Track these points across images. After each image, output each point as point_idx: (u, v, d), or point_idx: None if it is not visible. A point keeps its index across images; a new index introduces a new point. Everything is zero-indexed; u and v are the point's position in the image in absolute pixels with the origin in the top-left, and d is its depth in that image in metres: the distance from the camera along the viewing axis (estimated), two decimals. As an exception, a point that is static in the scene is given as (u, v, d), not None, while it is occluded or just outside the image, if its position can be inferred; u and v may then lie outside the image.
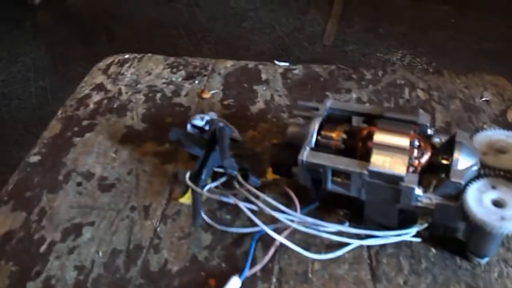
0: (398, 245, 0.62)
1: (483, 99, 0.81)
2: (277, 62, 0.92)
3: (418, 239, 0.62)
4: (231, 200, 0.64)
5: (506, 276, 0.59)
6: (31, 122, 2.17)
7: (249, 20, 2.58)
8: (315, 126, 0.61)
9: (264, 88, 0.87)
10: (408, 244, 0.63)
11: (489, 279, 0.59)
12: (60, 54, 2.52)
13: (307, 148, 0.59)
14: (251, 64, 0.93)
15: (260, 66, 0.92)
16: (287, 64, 0.92)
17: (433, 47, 2.28)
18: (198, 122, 0.73)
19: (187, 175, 0.67)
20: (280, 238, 0.60)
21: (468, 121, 0.78)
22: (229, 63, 0.94)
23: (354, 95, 0.84)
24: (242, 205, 0.62)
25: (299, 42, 2.41)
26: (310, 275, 0.61)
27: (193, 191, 0.66)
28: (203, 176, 0.66)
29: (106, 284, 0.62)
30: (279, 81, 0.89)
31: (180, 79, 0.92)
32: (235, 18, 2.61)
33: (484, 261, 0.60)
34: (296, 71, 0.91)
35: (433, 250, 0.62)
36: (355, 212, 0.64)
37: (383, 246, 0.63)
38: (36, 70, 2.46)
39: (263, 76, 0.90)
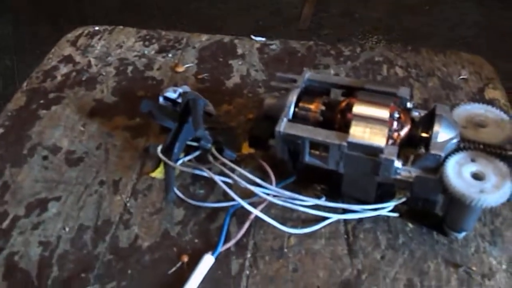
0: (375, 220, 0.61)
1: (461, 77, 0.81)
2: (253, 37, 0.90)
3: (395, 214, 0.61)
4: (206, 173, 0.62)
5: (483, 251, 0.58)
6: (-3, 102, 2.09)
7: (225, 2, 2.54)
8: (293, 97, 0.59)
9: (240, 63, 0.85)
10: (385, 219, 0.62)
11: (466, 254, 0.58)
12: (28, 33, 2.44)
13: (285, 120, 0.57)
14: (226, 39, 0.90)
15: (236, 41, 0.90)
16: (263, 39, 0.90)
17: (408, 33, 2.29)
18: (171, 94, 0.70)
19: (159, 148, 0.65)
20: (256, 212, 0.58)
21: (446, 98, 0.77)
22: (204, 37, 0.91)
23: (332, 71, 0.83)
24: (217, 178, 0.60)
25: (275, 26, 2.38)
26: (285, 250, 0.59)
27: (165, 164, 0.63)
28: (175, 149, 0.63)
29: (72, 261, 0.59)
30: (256, 56, 0.86)
31: (152, 52, 0.88)
32: (211, 0, 2.56)
33: (461, 235, 0.59)
34: (273, 46, 0.88)
35: (410, 225, 0.61)
36: (332, 187, 0.63)
37: (360, 221, 0.61)
38: (2, 49, 2.37)
39: (239, 51, 0.88)
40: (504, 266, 0.57)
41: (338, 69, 0.83)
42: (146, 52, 0.88)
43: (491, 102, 0.76)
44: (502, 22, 2.29)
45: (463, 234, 0.59)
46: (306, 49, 0.87)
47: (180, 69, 0.83)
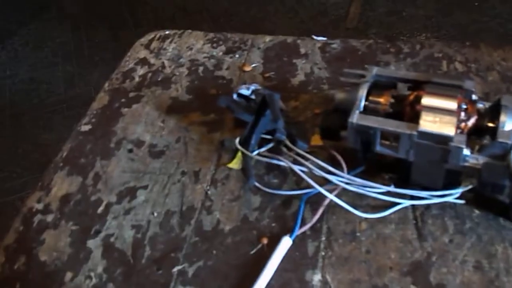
0: (442, 206, 0.65)
1: (521, 70, 0.83)
2: (315, 37, 0.94)
3: (462, 201, 0.64)
4: (283, 162, 0.67)
5: (549, 236, 0.61)
6: (59, 106, 2.22)
7: (273, 4, 2.60)
8: (364, 91, 0.63)
9: (304, 62, 0.90)
10: (452, 206, 0.65)
11: (532, 238, 0.61)
12: (86, 39, 2.57)
13: (357, 112, 0.62)
14: (289, 39, 0.95)
15: (299, 41, 0.95)
16: (325, 38, 0.94)
17: (457, 30, 2.28)
18: (244, 91, 0.75)
19: (237, 139, 0.70)
20: (330, 196, 0.63)
21: (506, 91, 0.79)
22: (268, 38, 0.96)
23: (393, 68, 0.86)
24: (294, 166, 0.65)
25: (323, 26, 2.42)
26: (358, 234, 0.63)
27: (243, 154, 0.69)
28: (252, 141, 0.69)
29: (162, 242, 0.65)
30: (318, 55, 0.91)
31: (220, 54, 0.94)
32: (259, 2, 2.63)
33: (527, 221, 0.62)
34: (334, 45, 0.93)
35: (477, 211, 0.64)
36: (399, 175, 0.67)
37: (427, 207, 0.65)
38: (63, 55, 2.51)
39: (302, 50, 0.92)
40: None
41: (399, 66, 0.86)
42: (214, 53, 0.94)
43: (552, 95, 0.78)
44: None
45: (530, 219, 0.62)
46: (366, 47, 0.91)
47: (248, 68, 0.89)
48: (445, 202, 0.64)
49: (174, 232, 0.66)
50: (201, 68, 0.91)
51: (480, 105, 0.64)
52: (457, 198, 0.64)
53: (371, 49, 0.91)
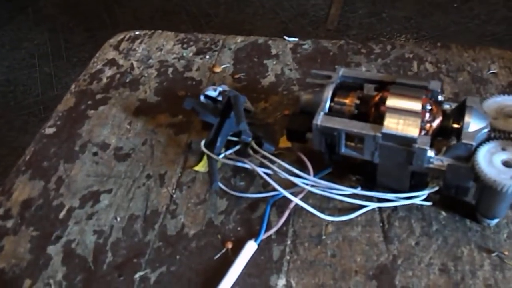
0: (409, 208, 0.64)
1: (491, 71, 0.82)
2: (286, 38, 0.93)
3: (428, 203, 0.64)
4: (248, 165, 0.66)
5: (515, 237, 0.60)
6: (36, 108, 2.18)
7: (252, 5, 2.59)
8: (329, 92, 0.62)
9: (274, 62, 0.89)
10: (419, 207, 0.64)
11: (499, 240, 0.60)
12: (64, 40, 2.53)
13: (321, 113, 0.61)
14: (261, 40, 0.94)
15: (270, 42, 0.94)
16: (296, 39, 0.93)
17: (436, 31, 2.29)
18: (211, 92, 0.74)
19: (203, 142, 0.69)
20: (296, 200, 0.62)
21: (476, 92, 0.79)
22: (239, 39, 0.95)
23: (363, 69, 0.86)
24: (259, 169, 0.64)
25: (303, 27, 2.41)
26: (324, 237, 0.63)
27: (209, 157, 0.67)
28: (218, 143, 0.67)
29: (125, 247, 0.64)
30: (289, 56, 0.90)
31: (191, 54, 0.93)
32: (238, 3, 2.61)
33: (493, 222, 0.61)
34: (305, 46, 0.92)
35: (443, 213, 0.64)
36: (366, 177, 0.66)
37: (394, 209, 0.64)
38: (40, 56, 2.47)
39: (273, 51, 0.91)
40: (536, 251, 0.59)
41: (369, 67, 0.86)
42: (184, 54, 0.93)
43: (521, 95, 0.78)
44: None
45: (496, 221, 0.61)
46: (337, 48, 0.90)
47: (218, 69, 0.88)
48: (412, 204, 0.64)
49: (137, 237, 0.65)
50: (170, 69, 0.90)
51: (446, 106, 0.64)
52: (424, 200, 0.63)
53: (342, 50, 0.90)
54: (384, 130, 0.57)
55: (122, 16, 2.59)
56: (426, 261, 0.59)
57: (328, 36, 2.32)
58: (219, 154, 0.69)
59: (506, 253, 0.59)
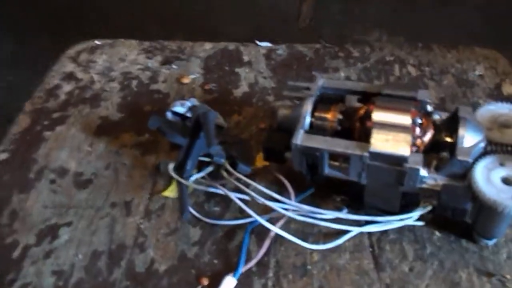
0: (400, 230, 0.59)
1: (477, 73, 0.78)
2: (259, 43, 0.87)
3: (421, 223, 0.59)
4: (220, 190, 0.60)
5: (515, 257, 0.56)
6: (-1, 119, 2.07)
7: (223, 4, 2.51)
8: (308, 107, 0.56)
9: (247, 70, 0.83)
10: (410, 228, 0.59)
11: (498, 261, 0.55)
12: (28, 45, 2.42)
13: (301, 131, 0.55)
14: (231, 46, 0.88)
15: (242, 48, 0.87)
16: (269, 44, 0.87)
17: (410, 29, 2.26)
18: (179, 108, 0.67)
19: (171, 166, 0.62)
20: (275, 229, 0.56)
21: (463, 96, 0.74)
22: (208, 46, 0.88)
23: (342, 74, 0.80)
24: (232, 195, 0.57)
25: (275, 25, 2.35)
26: (309, 267, 0.57)
27: (178, 183, 0.61)
28: (188, 167, 0.61)
29: (88, 289, 0.57)
30: (263, 63, 0.84)
31: (156, 65, 0.86)
32: (208, 3, 2.54)
33: (491, 242, 0.56)
34: (279, 51, 0.86)
35: (437, 233, 0.58)
36: (353, 197, 0.60)
37: (384, 232, 0.59)
38: (3, 63, 2.36)
39: (245, 58, 0.85)
40: (539, 272, 0.54)
41: (348, 72, 0.80)
42: (150, 64, 0.86)
43: (509, 98, 0.74)
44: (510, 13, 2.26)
45: (494, 240, 0.56)
46: (313, 53, 0.85)
47: (186, 80, 0.81)
48: (403, 225, 0.58)
49: (101, 276, 0.58)
50: (134, 82, 0.83)
51: (436, 117, 0.59)
52: (416, 220, 0.58)
53: (318, 54, 0.84)
54: (372, 149, 0.51)
55: (89, 22, 2.48)
56: (422, 290, 0.54)
57: (301, 35, 2.27)
58: (190, 177, 0.63)
59: (508, 276, 0.54)
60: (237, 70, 0.83)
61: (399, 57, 0.82)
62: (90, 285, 0.57)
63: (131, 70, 0.85)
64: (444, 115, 0.58)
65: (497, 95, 0.74)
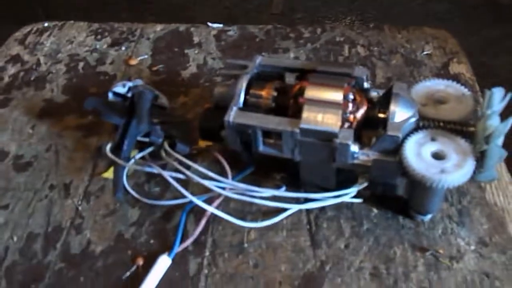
0: (338, 207, 0.59)
1: (425, 52, 0.78)
2: (210, 24, 0.86)
3: (359, 200, 0.58)
4: (156, 170, 0.59)
5: (450, 233, 0.56)
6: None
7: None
8: (243, 84, 0.56)
9: (197, 52, 0.81)
10: (349, 205, 0.59)
11: (433, 236, 0.56)
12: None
13: (234, 108, 0.54)
14: (182, 27, 0.87)
15: (192, 29, 0.86)
16: (221, 25, 0.86)
17: (381, 12, 2.26)
18: (120, 89, 0.66)
19: (108, 146, 0.61)
20: (210, 208, 0.55)
21: (410, 76, 0.74)
22: (159, 27, 0.87)
23: (292, 54, 0.80)
24: (167, 174, 0.57)
25: (247, 12, 2.34)
26: (245, 245, 0.56)
27: (114, 163, 0.60)
28: (124, 147, 0.60)
29: (21, 272, 0.55)
30: (213, 44, 0.83)
31: (105, 46, 0.84)
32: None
33: (427, 218, 0.57)
34: (230, 33, 0.85)
35: (375, 210, 0.58)
36: (292, 175, 0.60)
37: (322, 209, 0.59)
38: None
39: (195, 39, 0.84)
40: (472, 247, 0.54)
41: (298, 52, 0.80)
42: (98, 46, 0.84)
43: (456, 77, 0.74)
44: None
45: (429, 216, 0.57)
46: (264, 34, 0.84)
47: (134, 62, 0.80)
48: (341, 202, 0.58)
49: (36, 259, 0.57)
50: (81, 64, 0.81)
51: (373, 93, 0.58)
52: (354, 197, 0.58)
53: (269, 36, 0.84)
54: (302, 124, 0.51)
55: (56, 7, 2.44)
56: (356, 266, 0.54)
57: (273, 20, 2.26)
58: (129, 158, 0.62)
59: (441, 251, 0.54)
60: (186, 51, 0.82)
61: (349, 38, 0.82)
62: (24, 267, 0.56)
63: (78, 52, 0.83)
64: (382, 92, 0.58)
65: (444, 74, 0.74)
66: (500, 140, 0.49)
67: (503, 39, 2.00)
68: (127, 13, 2.34)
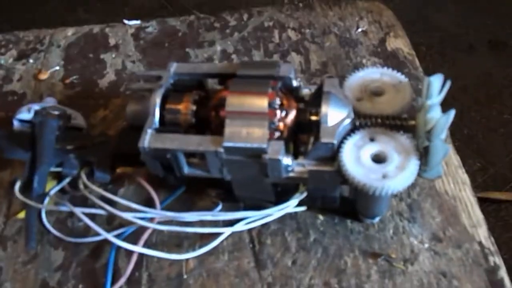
0: (281, 219, 0.54)
1: (360, 30, 0.73)
2: (126, 22, 0.78)
3: (302, 208, 0.54)
4: (67, 208, 0.52)
5: (402, 232, 0.52)
6: None
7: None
8: (157, 100, 0.49)
9: (114, 56, 0.74)
10: (293, 215, 0.54)
11: (385, 239, 0.52)
12: None
13: (149, 131, 0.48)
14: (96, 29, 0.78)
15: (107, 29, 0.78)
16: (138, 22, 0.78)
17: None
18: (25, 115, 0.58)
19: (17, 185, 0.54)
20: (137, 248, 0.49)
21: (346, 58, 0.69)
22: (70, 31, 0.78)
23: (218, 47, 0.73)
24: (79, 212, 0.50)
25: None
26: (185, 277, 0.51)
27: (26, 205, 0.53)
28: (35, 184, 0.53)
29: None
30: (131, 44, 0.75)
31: (11, 61, 0.75)
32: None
33: (376, 220, 0.53)
34: (149, 29, 0.77)
35: (321, 217, 0.54)
36: (228, 190, 0.54)
37: (265, 224, 0.54)
38: None
39: (111, 41, 0.76)
40: (426, 245, 0.51)
41: (225, 44, 0.73)
42: (2, 61, 0.75)
43: (394, 54, 0.69)
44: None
45: (378, 218, 0.53)
46: (187, 26, 0.77)
47: (44, 76, 0.71)
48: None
49: (-51, 326, 0.50)
50: (-15, 85, 0.72)
51: (305, 91, 0.53)
52: (296, 206, 0.53)
53: (193, 28, 0.76)
54: (226, 142, 0.45)
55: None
56: (306, 283, 0.50)
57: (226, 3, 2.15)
58: (44, 194, 0.55)
59: (393, 255, 0.50)
60: (102, 56, 0.74)
61: (278, 21, 0.75)
62: None
63: (-20, 71, 0.74)
64: (314, 88, 0.53)
65: (381, 52, 0.69)
66: (443, 135, 0.44)
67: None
68: (55, 4, 2.19)
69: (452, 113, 0.43)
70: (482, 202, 1.37)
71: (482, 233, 0.51)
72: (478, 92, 1.60)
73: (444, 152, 0.44)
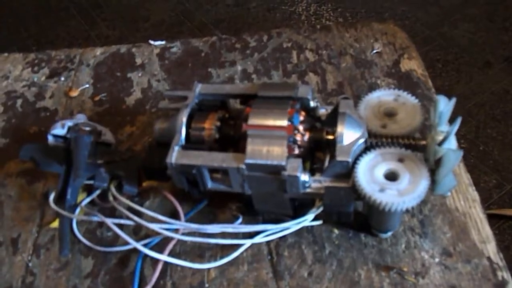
0: (298, 232, 0.56)
1: (375, 51, 0.76)
2: (152, 42, 0.82)
3: (318, 222, 0.56)
4: (98, 218, 0.56)
5: (414, 246, 0.55)
6: None
7: None
8: (183, 118, 0.53)
9: (140, 74, 0.78)
10: (309, 229, 0.57)
11: (397, 253, 0.54)
12: None
13: (176, 148, 0.51)
14: (123, 49, 0.82)
15: (134, 49, 0.82)
16: (163, 42, 0.82)
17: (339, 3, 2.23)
18: (59, 131, 0.62)
19: (51, 196, 0.58)
20: (162, 257, 0.53)
21: (361, 78, 0.72)
22: (99, 51, 0.83)
23: (239, 67, 0.77)
24: (110, 222, 0.54)
25: (201, 5, 2.28)
26: (207, 285, 0.54)
27: (60, 215, 0.57)
28: (68, 196, 0.57)
29: None
30: (156, 64, 0.79)
31: (43, 78, 0.80)
32: None
33: (388, 235, 0.55)
34: (174, 49, 0.81)
35: (336, 231, 0.57)
36: (248, 204, 0.57)
37: (282, 237, 0.57)
38: None
39: (138, 60, 0.80)
40: (437, 259, 0.53)
41: (246, 64, 0.77)
42: (35, 79, 0.80)
43: (408, 75, 0.72)
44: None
45: (390, 233, 0.55)
46: (209, 47, 0.80)
47: (75, 93, 0.76)
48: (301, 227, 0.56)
49: (-13, 327, 0.54)
50: (19, 101, 0.77)
51: (322, 111, 0.56)
52: (313, 220, 0.56)
53: (214, 48, 0.80)
54: (248, 160, 0.49)
55: (2, 19, 2.34)
56: (321, 294, 0.52)
57: (229, 11, 2.21)
58: (76, 205, 0.58)
59: (405, 269, 0.53)
60: (129, 75, 0.78)
61: (297, 42, 0.79)
62: (-26, 338, 0.53)
63: (15, 88, 0.79)
64: (330, 109, 0.56)
65: (395, 73, 0.72)
66: (452, 143, 0.47)
67: (460, 6, 1.99)
68: (79, 20, 2.26)
69: (458, 120, 0.46)
70: (498, 219, 1.39)
71: (491, 248, 0.54)
72: (494, 109, 1.61)
73: (456, 156, 0.46)
